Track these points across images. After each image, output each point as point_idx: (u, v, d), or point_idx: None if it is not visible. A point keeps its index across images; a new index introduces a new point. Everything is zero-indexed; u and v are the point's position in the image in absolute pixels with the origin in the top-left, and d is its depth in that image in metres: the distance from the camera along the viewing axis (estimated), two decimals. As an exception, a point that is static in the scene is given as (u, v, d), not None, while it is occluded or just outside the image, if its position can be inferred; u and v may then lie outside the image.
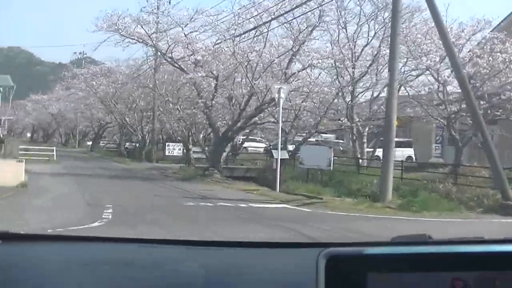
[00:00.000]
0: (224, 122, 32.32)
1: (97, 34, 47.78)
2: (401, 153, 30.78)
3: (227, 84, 29.69)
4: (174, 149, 42.68)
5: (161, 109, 40.83)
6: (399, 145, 30.06)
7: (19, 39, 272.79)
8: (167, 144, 43.35)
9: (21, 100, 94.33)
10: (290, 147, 33.18)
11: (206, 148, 36.10)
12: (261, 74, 28.72)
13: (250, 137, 43.47)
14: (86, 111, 64.92)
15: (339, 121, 31.74)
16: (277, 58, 28.44)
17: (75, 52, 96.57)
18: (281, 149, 25.34)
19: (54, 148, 41.51)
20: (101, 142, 70.70)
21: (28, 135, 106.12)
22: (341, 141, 44.89)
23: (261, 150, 45.26)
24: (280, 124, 25.23)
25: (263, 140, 45.64)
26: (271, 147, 36.38)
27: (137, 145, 51.29)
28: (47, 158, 39.32)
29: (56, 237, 2.58)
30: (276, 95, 23.73)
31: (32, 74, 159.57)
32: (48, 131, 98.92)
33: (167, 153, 42.75)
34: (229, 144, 30.83)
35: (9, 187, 19.55)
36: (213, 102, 29.25)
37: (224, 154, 30.65)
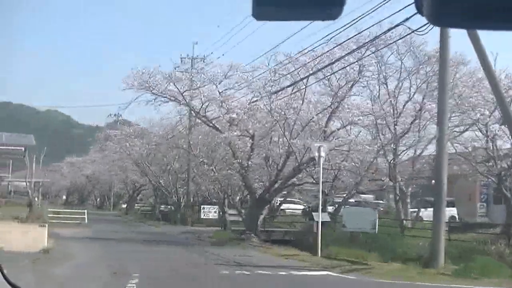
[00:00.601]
0: (261, 183, 30.98)
1: (130, 93, 47.30)
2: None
3: (264, 144, 28.55)
4: (210, 212, 41.39)
5: (196, 171, 39.75)
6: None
7: (56, 101, 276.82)
8: (202, 206, 42.11)
9: (58, 163, 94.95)
10: (330, 209, 31.59)
11: (243, 211, 34.67)
12: (299, 133, 27.57)
13: (287, 199, 41.93)
14: (120, 173, 64.37)
15: (381, 181, 30.20)
16: (315, 115, 27.24)
17: (110, 114, 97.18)
18: (321, 210, 23.85)
19: (86, 211, 40.60)
20: (136, 205, 69.90)
21: (64, 197, 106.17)
22: (381, 201, 43.17)
23: (299, 211, 43.68)
24: (321, 185, 23.77)
25: (301, 201, 44.04)
26: (309, 208, 34.79)
27: (172, 207, 50.18)
28: (78, 222, 38.34)
29: None
30: (316, 154, 22.42)
31: (69, 137, 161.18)
32: (83, 194, 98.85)
33: (202, 216, 41.44)
34: (266, 206, 29.42)
35: (31, 252, 18.31)
36: (249, 162, 28.04)
37: (261, 216, 29.20)
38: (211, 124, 28.76)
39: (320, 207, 23.76)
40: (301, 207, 45.10)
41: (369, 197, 42.46)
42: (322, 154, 22.32)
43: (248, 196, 32.93)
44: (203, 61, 32.13)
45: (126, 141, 50.13)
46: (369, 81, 28.35)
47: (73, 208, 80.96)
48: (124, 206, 71.86)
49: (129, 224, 46.38)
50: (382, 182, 30.28)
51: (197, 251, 24.58)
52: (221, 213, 38.24)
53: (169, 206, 54.14)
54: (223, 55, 44.42)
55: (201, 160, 33.22)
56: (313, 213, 25.16)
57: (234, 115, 26.64)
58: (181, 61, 39.94)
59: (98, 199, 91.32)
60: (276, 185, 28.24)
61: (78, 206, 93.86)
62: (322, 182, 24.97)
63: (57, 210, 42.54)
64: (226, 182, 33.33)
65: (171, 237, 32.43)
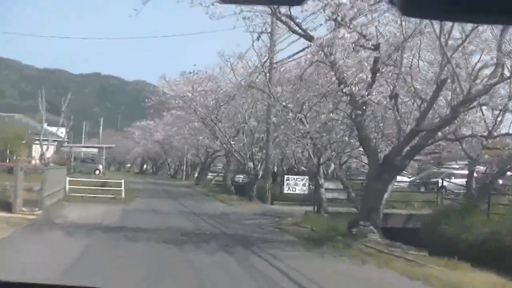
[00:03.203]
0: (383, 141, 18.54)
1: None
2: None
3: (393, 62, 15.88)
4: (296, 185, 29.39)
5: (278, 123, 27.93)
6: None
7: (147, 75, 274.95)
8: (285, 177, 30.10)
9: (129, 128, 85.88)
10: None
11: (346, 183, 22.45)
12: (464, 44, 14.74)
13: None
14: (188, 136, 53.47)
15: None
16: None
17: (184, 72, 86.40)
18: None
19: (123, 181, 29.51)
20: (209, 174, 58.78)
21: (147, 166, 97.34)
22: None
23: (403, 184, 32.50)
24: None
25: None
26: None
27: (249, 178, 38.64)
28: (112, 196, 27.31)
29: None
30: None
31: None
32: (157, 162, 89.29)
33: (285, 190, 29.48)
34: (393, 178, 16.93)
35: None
36: (368, 96, 15.62)
37: (385, 195, 16.75)
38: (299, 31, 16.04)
39: None
40: (406, 179, 35.38)
41: None
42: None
43: (368, 160, 19.88)
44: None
45: (192, 94, 38.46)
46: None
47: (146, 178, 71.71)
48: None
49: (193, 198, 35.22)
50: None
51: (272, 260, 12.64)
52: (312, 186, 26.30)
53: (241, 177, 43.93)
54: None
55: (283, 104, 21.15)
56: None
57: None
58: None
59: (172, 168, 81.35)
60: (417, 139, 15.68)
61: (153, 175, 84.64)
62: None
63: (77, 179, 31.54)
64: (323, 140, 21.09)
65: (237, 224, 20.72)
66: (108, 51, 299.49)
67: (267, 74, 22.84)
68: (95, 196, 26.61)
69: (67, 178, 27.84)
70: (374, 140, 16.76)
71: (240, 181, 44.39)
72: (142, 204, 27.25)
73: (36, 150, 58.07)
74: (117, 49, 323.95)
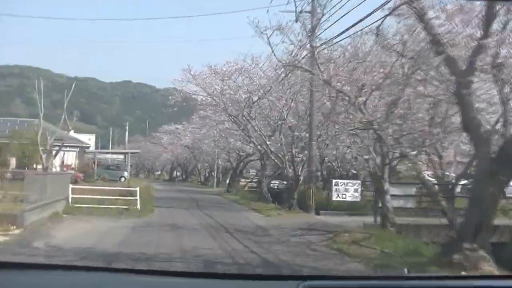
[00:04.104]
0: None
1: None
2: None
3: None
4: (347, 191, 24.13)
5: (327, 116, 22.77)
6: None
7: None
8: (334, 182, 24.83)
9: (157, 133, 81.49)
10: None
11: (430, 186, 17.05)
12: None
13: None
14: (221, 139, 48.67)
15: None
16: None
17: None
18: None
19: (138, 189, 24.38)
20: (242, 180, 53.69)
21: (178, 173, 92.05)
22: None
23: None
24: None
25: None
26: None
27: (285, 183, 33.64)
28: (125, 207, 22.36)
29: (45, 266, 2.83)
30: None
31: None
32: (187, 168, 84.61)
33: (334, 197, 24.25)
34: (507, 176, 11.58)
35: None
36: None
37: (495, 203, 11.38)
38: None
39: None
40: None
41: None
42: None
43: (475, 158, 13.98)
44: None
45: (221, 88, 33.40)
46: None
47: (174, 185, 66.86)
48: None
49: (224, 207, 30.34)
50: None
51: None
52: (376, 191, 21.07)
53: (276, 183, 39.34)
54: None
55: (337, 88, 15.98)
56: None
57: None
58: None
59: (203, 175, 76.60)
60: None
61: (182, 182, 79.89)
62: None
63: (84, 187, 26.45)
64: (393, 130, 15.83)
65: (277, 245, 15.48)
66: (139, 58, 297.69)
67: (315, 49, 17.57)
68: (104, 208, 21.77)
69: (70, 186, 22.96)
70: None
71: (276, 187, 39.32)
72: (161, 216, 22.30)
73: (56, 157, 53.99)
74: (147, 55, 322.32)
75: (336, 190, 24.04)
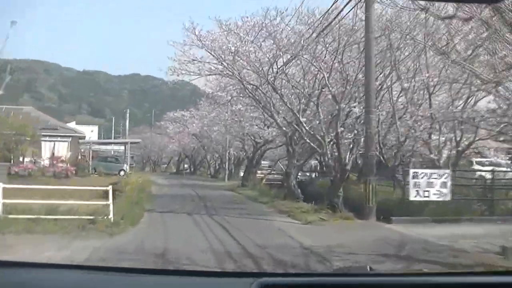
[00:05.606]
0: None
1: None
2: None
3: None
4: (431, 185, 15.80)
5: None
6: None
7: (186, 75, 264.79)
8: (412, 172, 16.41)
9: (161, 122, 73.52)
10: None
11: None
12: None
13: None
14: (233, 123, 40.72)
15: None
16: None
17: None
18: None
19: (110, 188, 15.60)
20: (259, 172, 45.28)
21: (186, 166, 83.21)
22: None
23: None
24: None
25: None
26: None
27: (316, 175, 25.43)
28: (92, 217, 14.02)
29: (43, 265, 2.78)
30: None
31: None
32: (195, 160, 76.27)
33: (412, 196, 15.93)
34: None
35: None
36: None
37: None
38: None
39: None
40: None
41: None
42: None
43: None
44: None
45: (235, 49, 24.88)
46: None
47: (181, 179, 57.93)
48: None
49: (240, 208, 22.33)
50: None
51: None
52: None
53: (307, 174, 32.58)
54: None
55: None
56: None
57: None
58: None
59: (213, 167, 68.53)
60: None
61: (190, 175, 71.59)
62: None
63: (21, 186, 17.69)
64: None
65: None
66: (147, 51, 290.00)
67: None
68: (56, 220, 13.59)
69: (1, 186, 14.45)
70: None
71: (307, 179, 31.25)
72: (148, 231, 14.09)
73: (46, 148, 46.56)
74: (155, 48, 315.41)
75: (415, 184, 15.72)
